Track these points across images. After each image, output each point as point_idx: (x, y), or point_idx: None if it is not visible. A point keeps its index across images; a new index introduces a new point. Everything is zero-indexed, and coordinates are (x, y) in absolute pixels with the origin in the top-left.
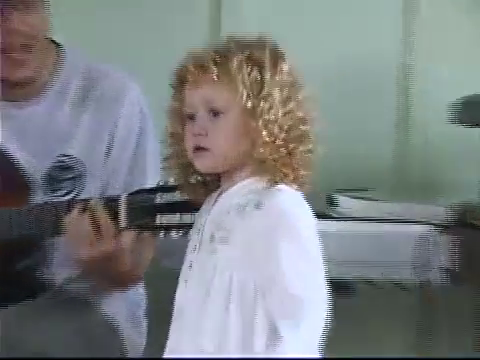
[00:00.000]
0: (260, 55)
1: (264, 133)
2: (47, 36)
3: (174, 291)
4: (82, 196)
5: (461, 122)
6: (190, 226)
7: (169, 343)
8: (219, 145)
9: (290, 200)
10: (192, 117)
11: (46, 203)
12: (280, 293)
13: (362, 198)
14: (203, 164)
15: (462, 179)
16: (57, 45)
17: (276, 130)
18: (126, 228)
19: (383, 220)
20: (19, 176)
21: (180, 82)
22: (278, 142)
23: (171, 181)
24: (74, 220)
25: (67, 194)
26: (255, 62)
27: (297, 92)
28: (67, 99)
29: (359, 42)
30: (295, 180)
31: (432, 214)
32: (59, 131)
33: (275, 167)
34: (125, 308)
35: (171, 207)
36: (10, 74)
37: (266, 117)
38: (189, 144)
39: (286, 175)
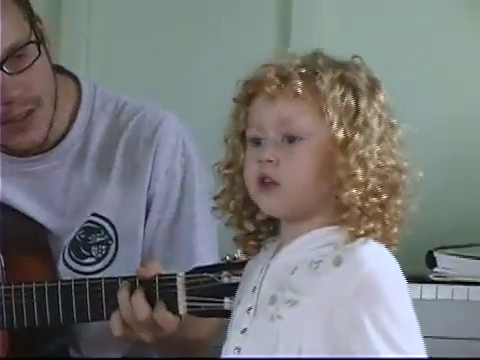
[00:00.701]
0: (355, 77)
1: (358, 172)
2: (59, 79)
3: None
4: (114, 267)
5: None
6: None
7: None
8: (294, 179)
9: (378, 257)
10: (258, 142)
11: (81, 280)
12: None
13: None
14: (271, 203)
15: None
16: (78, 83)
17: (371, 171)
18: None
19: None
20: (42, 241)
21: (249, 97)
22: (370, 187)
23: (239, 255)
24: (129, 301)
25: (96, 263)
26: (349, 84)
27: (393, 132)
28: (90, 148)
29: None
30: (384, 239)
31: None
32: (86, 186)
33: (361, 217)
34: None
35: None
36: (12, 143)
37: (360, 152)
38: (251, 174)
39: (374, 230)
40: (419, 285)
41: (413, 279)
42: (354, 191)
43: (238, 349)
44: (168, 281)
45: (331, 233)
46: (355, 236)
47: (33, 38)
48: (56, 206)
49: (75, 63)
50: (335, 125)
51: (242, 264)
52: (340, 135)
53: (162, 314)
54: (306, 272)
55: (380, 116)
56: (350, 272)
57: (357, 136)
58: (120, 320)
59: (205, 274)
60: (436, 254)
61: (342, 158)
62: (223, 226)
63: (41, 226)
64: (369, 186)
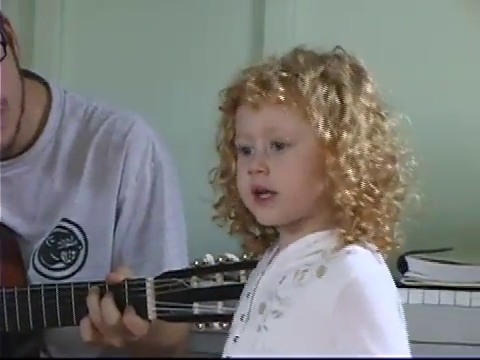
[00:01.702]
0: (339, 72)
1: (350, 172)
2: (27, 84)
3: None
4: (83, 272)
5: None
6: None
7: None
8: (287, 186)
9: (362, 266)
10: (247, 150)
11: (51, 286)
12: None
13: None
14: (267, 215)
15: None
16: (47, 87)
17: (363, 169)
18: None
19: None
20: (12, 246)
21: (233, 105)
22: (364, 186)
23: (208, 260)
24: (97, 306)
25: (65, 268)
26: (332, 81)
27: (383, 121)
28: (60, 153)
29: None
30: (376, 239)
31: None
32: (56, 191)
33: (353, 219)
34: None
35: (211, 293)
36: None
37: (350, 151)
38: (244, 185)
39: (365, 231)
40: (406, 290)
41: None
42: (347, 192)
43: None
44: (137, 286)
45: (321, 239)
46: (345, 241)
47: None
48: (26, 211)
49: (48, 65)
50: (321, 126)
51: (211, 269)
52: (327, 136)
53: (131, 318)
54: (292, 282)
55: (368, 109)
56: (332, 283)
57: (345, 135)
58: (90, 325)
59: (174, 279)
60: (407, 258)
61: (332, 159)
62: (193, 230)
63: (11, 231)
64: (362, 185)
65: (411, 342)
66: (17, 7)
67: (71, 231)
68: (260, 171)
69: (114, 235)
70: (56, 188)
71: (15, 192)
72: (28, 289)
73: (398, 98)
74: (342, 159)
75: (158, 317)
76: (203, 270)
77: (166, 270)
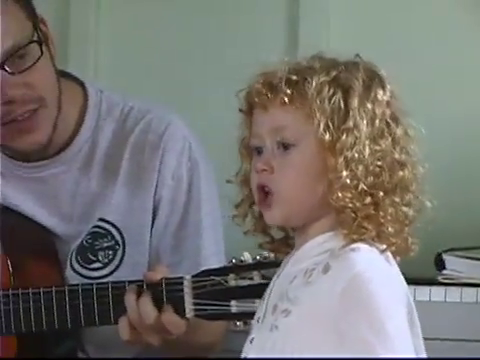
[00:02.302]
0: (349, 77)
1: (344, 174)
2: (64, 83)
3: None
4: (121, 271)
5: None
6: None
7: None
8: (287, 186)
9: (364, 263)
10: (259, 151)
11: (89, 285)
12: None
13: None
14: (269, 213)
15: None
16: (83, 88)
17: (360, 172)
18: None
19: None
20: (49, 246)
21: (250, 107)
22: (362, 187)
23: (245, 258)
24: (135, 306)
25: (103, 268)
26: (341, 85)
27: (396, 127)
28: (97, 153)
29: None
30: (380, 238)
31: None
32: (93, 191)
33: (355, 219)
34: None
35: (249, 291)
36: (16, 144)
37: (348, 154)
38: (253, 184)
39: (367, 230)
40: (428, 287)
41: (422, 281)
42: (340, 194)
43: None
44: (175, 284)
45: (328, 239)
46: (349, 240)
47: (35, 38)
48: (63, 211)
49: (83, 64)
50: (322, 128)
51: (249, 267)
52: (327, 137)
53: (169, 317)
54: (301, 281)
55: (376, 114)
56: (335, 278)
57: (344, 137)
58: (128, 324)
59: (212, 277)
60: (445, 256)
61: (332, 160)
62: (230, 228)
63: (48, 231)
64: (360, 187)
65: (449, 340)
66: (52, 8)
67: (108, 231)
68: (265, 170)
69: (151, 234)
70: (93, 188)
71: (52, 192)
72: (66, 289)
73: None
74: (339, 161)
75: (196, 315)
76: (241, 268)
77: (203, 268)
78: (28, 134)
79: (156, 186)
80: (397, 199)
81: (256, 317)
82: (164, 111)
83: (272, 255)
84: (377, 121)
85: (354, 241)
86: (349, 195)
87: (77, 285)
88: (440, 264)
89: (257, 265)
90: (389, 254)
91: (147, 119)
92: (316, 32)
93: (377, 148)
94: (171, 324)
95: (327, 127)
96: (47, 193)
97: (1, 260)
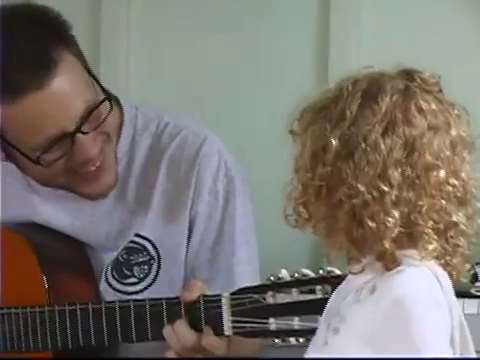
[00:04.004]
0: (381, 105)
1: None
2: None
3: None
4: (156, 286)
5: None
6: (313, 331)
7: None
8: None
9: (409, 285)
10: None
11: (126, 302)
12: None
13: None
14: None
15: None
16: (119, 104)
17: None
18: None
19: None
20: (84, 261)
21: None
22: (393, 198)
23: (283, 275)
24: (174, 333)
25: (138, 283)
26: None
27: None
28: (134, 168)
29: None
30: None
31: None
32: (129, 207)
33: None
34: None
35: (288, 308)
36: (88, 190)
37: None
38: None
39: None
40: (461, 300)
41: (456, 294)
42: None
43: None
44: (213, 302)
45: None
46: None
47: (103, 95)
48: (100, 227)
49: (115, 77)
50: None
51: (287, 284)
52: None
53: (211, 340)
54: (352, 299)
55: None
56: (378, 301)
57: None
58: (173, 354)
59: (250, 295)
60: (478, 269)
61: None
62: (265, 245)
63: (84, 246)
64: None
65: None
66: (83, 20)
67: (144, 246)
68: None
69: (187, 250)
70: (129, 203)
71: (88, 208)
72: (103, 305)
73: None
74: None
75: (234, 333)
76: (279, 285)
77: (242, 286)
78: (98, 181)
79: (192, 202)
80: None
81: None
82: (199, 127)
83: (310, 272)
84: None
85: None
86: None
87: (114, 302)
88: (473, 276)
89: (295, 282)
90: (440, 272)
91: (182, 135)
92: (346, 47)
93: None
94: (212, 346)
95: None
96: (83, 209)
97: (37, 276)
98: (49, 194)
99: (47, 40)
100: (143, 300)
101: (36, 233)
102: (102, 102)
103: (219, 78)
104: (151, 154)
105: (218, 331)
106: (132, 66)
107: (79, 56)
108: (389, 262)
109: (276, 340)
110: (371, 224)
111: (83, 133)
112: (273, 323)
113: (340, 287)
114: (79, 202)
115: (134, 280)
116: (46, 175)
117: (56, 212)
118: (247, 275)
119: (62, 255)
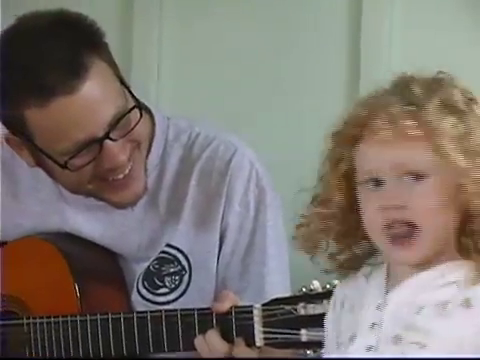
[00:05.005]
0: (452, 97)
1: None
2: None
3: None
4: (187, 296)
5: None
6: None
7: None
8: (430, 219)
9: None
10: (378, 183)
11: (157, 312)
12: None
13: None
14: (411, 255)
15: None
16: (151, 115)
17: None
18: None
19: None
20: (116, 271)
21: (353, 137)
22: None
23: (315, 286)
24: (206, 344)
25: (169, 293)
26: (451, 107)
27: None
28: (165, 179)
29: None
30: None
31: None
32: (160, 218)
33: None
34: None
35: (319, 320)
36: (116, 198)
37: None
38: (376, 220)
39: None
40: None
41: None
42: None
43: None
44: (245, 313)
45: (453, 270)
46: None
47: (133, 102)
48: (131, 237)
49: (146, 88)
50: (453, 154)
51: (319, 296)
52: (462, 164)
53: (241, 351)
54: (434, 313)
55: None
56: (478, 313)
57: (478, 160)
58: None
59: (282, 306)
60: None
61: (473, 187)
62: (296, 256)
63: (116, 256)
64: None
65: None
66: (115, 33)
67: (175, 256)
68: (397, 206)
69: (218, 260)
70: (160, 214)
71: (120, 218)
72: (135, 315)
73: None
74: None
75: (265, 344)
76: (311, 297)
77: (274, 297)
78: (125, 189)
79: (223, 213)
80: None
81: (363, 345)
82: (230, 137)
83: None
84: None
85: None
86: None
87: (146, 312)
88: None
89: (327, 294)
90: None
91: (214, 146)
92: (378, 48)
93: None
94: (243, 356)
95: (458, 153)
96: (115, 219)
97: (69, 286)
98: (80, 204)
99: (79, 46)
100: (175, 310)
101: (68, 242)
102: (131, 109)
103: (250, 90)
104: (182, 165)
105: (250, 342)
106: (163, 76)
107: (111, 63)
108: None
109: (308, 351)
110: None
111: (111, 139)
112: (304, 334)
113: (400, 295)
114: (110, 212)
115: (165, 290)
116: (74, 182)
117: (87, 222)
118: (278, 286)
119: (94, 265)
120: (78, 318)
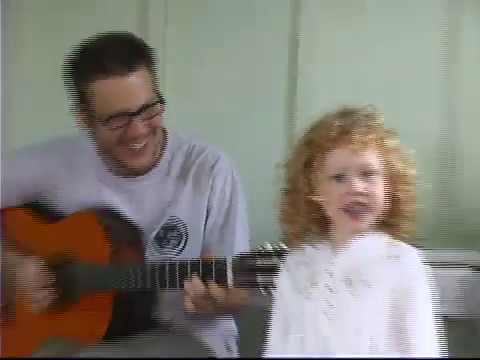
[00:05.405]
0: (379, 124)
1: (412, 192)
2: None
3: (259, 325)
4: (183, 254)
5: None
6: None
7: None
8: (379, 203)
9: (418, 256)
10: (340, 178)
11: (163, 262)
12: (418, 328)
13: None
14: (362, 225)
15: None
16: (164, 129)
17: (406, 186)
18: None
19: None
20: (136, 235)
21: (325, 147)
22: (406, 199)
23: (268, 247)
24: (191, 285)
25: (173, 248)
26: (383, 130)
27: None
28: (171, 174)
29: None
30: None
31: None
32: (167, 199)
33: (406, 226)
34: (220, 338)
35: (270, 269)
36: (129, 162)
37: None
38: (340, 202)
39: (407, 231)
40: None
41: None
42: (409, 207)
43: (329, 318)
44: (220, 263)
45: (379, 237)
46: (400, 238)
47: (157, 99)
48: (146, 212)
49: None
50: (395, 162)
51: (270, 253)
52: (400, 169)
53: (215, 290)
54: (376, 264)
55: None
56: (406, 265)
57: (410, 168)
58: (189, 299)
59: (245, 259)
60: None
61: (403, 185)
62: (256, 226)
63: (136, 225)
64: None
65: None
66: None
67: (176, 226)
68: (362, 194)
69: (204, 229)
70: (167, 197)
71: (139, 199)
72: (148, 265)
73: None
74: (407, 185)
75: (234, 285)
76: (265, 254)
77: (240, 253)
78: (139, 157)
79: (209, 197)
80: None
81: (323, 288)
82: (216, 149)
83: (284, 246)
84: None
85: (399, 238)
86: (410, 207)
87: (155, 263)
88: None
89: (276, 252)
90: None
91: (204, 154)
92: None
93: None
94: (216, 294)
95: (396, 160)
96: (135, 200)
97: (104, 245)
98: (114, 186)
99: (133, 53)
100: (175, 261)
101: (104, 215)
102: (155, 103)
103: (249, 99)
104: (183, 168)
105: (223, 283)
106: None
107: (151, 71)
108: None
109: (262, 291)
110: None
111: (139, 117)
112: (260, 278)
113: (350, 253)
114: (133, 194)
115: (169, 249)
116: (107, 140)
117: (118, 199)
118: (242, 247)
119: (122, 231)
120: (110, 267)
